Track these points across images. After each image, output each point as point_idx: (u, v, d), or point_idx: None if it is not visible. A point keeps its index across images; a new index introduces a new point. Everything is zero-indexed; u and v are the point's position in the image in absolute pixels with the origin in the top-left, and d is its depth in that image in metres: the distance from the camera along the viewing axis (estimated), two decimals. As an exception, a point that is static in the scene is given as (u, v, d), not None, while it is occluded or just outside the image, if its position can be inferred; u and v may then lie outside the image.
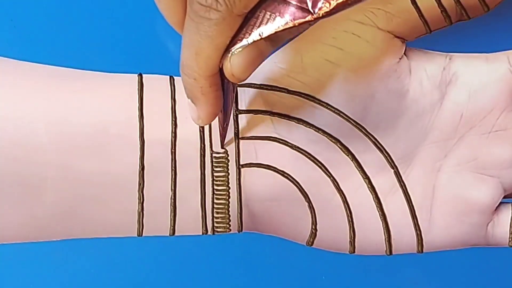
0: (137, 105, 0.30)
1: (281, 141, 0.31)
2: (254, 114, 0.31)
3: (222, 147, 0.31)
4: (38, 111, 0.29)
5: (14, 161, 0.29)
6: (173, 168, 0.30)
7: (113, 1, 0.56)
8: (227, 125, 0.31)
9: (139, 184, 0.30)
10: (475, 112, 0.31)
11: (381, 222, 0.31)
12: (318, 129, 0.31)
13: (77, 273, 0.56)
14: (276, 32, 0.25)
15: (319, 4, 0.24)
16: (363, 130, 0.31)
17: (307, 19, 0.24)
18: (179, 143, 0.30)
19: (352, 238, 0.31)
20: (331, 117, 0.30)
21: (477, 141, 0.31)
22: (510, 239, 0.32)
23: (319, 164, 0.31)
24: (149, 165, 0.30)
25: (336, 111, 0.30)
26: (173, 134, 0.30)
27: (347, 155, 0.31)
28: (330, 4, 0.24)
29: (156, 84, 0.31)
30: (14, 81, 0.30)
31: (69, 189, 0.29)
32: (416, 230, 0.31)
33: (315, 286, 0.57)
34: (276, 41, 0.26)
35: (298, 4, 0.25)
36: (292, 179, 0.31)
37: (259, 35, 0.25)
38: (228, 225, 0.31)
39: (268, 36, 0.25)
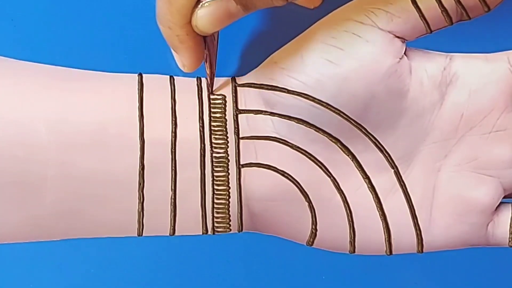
0: (137, 105, 0.30)
1: (281, 141, 0.31)
2: (254, 114, 0.31)
3: (212, 93, 0.31)
4: (38, 110, 0.29)
5: (13, 160, 0.29)
6: (173, 168, 0.30)
7: (113, 1, 0.56)
8: (214, 72, 0.31)
9: (139, 184, 0.30)
10: (475, 112, 0.31)
11: (381, 222, 0.31)
12: (318, 129, 0.31)
13: (77, 273, 0.56)
14: None
15: None
16: (363, 130, 0.31)
17: None
18: (179, 143, 0.30)
19: (352, 238, 0.31)
20: (331, 117, 0.30)
21: (477, 141, 0.31)
22: (510, 239, 0.32)
23: (319, 164, 0.31)
24: (149, 165, 0.30)
25: (336, 111, 0.30)
26: (173, 134, 0.30)
27: (347, 155, 0.31)
28: None
29: (156, 84, 0.31)
30: (14, 80, 0.30)
31: (69, 189, 0.29)
32: (416, 230, 0.31)
33: (315, 286, 0.57)
34: (247, 6, 0.27)
35: None
36: (292, 179, 0.31)
37: None
38: (228, 225, 0.31)
39: None
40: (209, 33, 0.28)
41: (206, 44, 0.30)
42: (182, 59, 0.30)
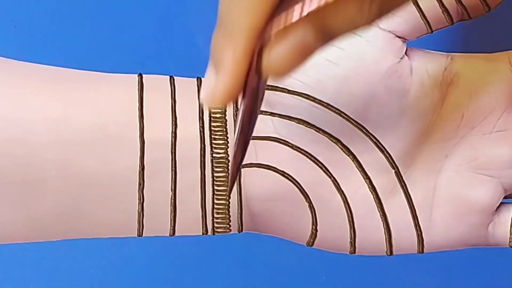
0: (137, 105, 0.30)
1: (282, 141, 0.31)
2: (254, 114, 0.31)
3: (230, 192, 0.29)
4: (38, 111, 0.29)
5: (14, 160, 0.29)
6: (173, 168, 0.30)
7: (113, 1, 0.56)
8: (242, 161, 0.25)
9: (139, 184, 0.30)
10: (476, 112, 0.31)
11: (381, 222, 0.31)
12: (318, 129, 0.31)
13: (77, 273, 0.56)
14: (318, 8, 0.20)
15: None
16: (364, 130, 0.31)
17: None
18: (179, 143, 0.30)
19: (352, 238, 0.31)
20: (331, 117, 0.30)
21: (478, 141, 0.31)
22: (510, 239, 0.32)
23: (320, 164, 0.31)
24: (149, 165, 0.30)
25: (336, 111, 0.30)
26: (173, 134, 0.30)
27: (348, 155, 0.31)
28: None
29: (156, 84, 0.31)
30: (14, 81, 0.30)
31: (69, 189, 0.29)
32: (416, 230, 0.31)
33: (315, 286, 0.57)
34: (324, 33, 0.21)
35: None
36: (292, 179, 0.31)
37: (299, 14, 0.20)
38: (228, 226, 0.31)
39: (311, 14, 0.20)
40: (284, 75, 0.21)
41: (246, 113, 0.23)
42: (218, 82, 0.22)
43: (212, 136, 0.31)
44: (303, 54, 0.21)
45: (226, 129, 0.31)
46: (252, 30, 0.21)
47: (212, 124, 0.31)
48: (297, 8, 0.20)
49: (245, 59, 0.21)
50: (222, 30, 0.21)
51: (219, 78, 0.22)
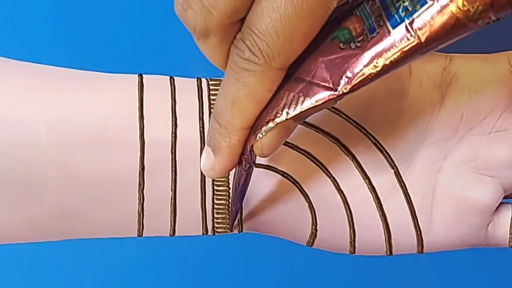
0: (137, 105, 0.30)
1: (281, 141, 0.31)
2: (255, 114, 0.31)
3: (231, 230, 0.31)
4: (38, 111, 0.29)
5: (14, 161, 0.29)
6: (173, 169, 0.30)
7: (113, 2, 0.56)
8: (240, 207, 0.31)
9: (139, 185, 0.30)
10: (475, 113, 0.31)
11: (381, 223, 0.31)
12: (318, 129, 0.31)
13: (77, 273, 0.56)
14: (301, 112, 0.25)
15: (341, 82, 0.24)
16: (363, 131, 0.31)
17: (330, 97, 0.24)
18: (179, 144, 0.30)
19: (352, 239, 0.31)
20: (331, 118, 0.30)
21: (477, 141, 0.31)
22: (510, 240, 0.32)
23: (319, 164, 0.31)
24: (149, 165, 0.30)
25: (336, 111, 0.30)
26: (173, 135, 0.30)
27: (347, 155, 0.31)
28: (350, 80, 0.24)
29: (156, 84, 0.31)
30: (14, 81, 0.30)
31: (69, 189, 0.29)
32: (416, 230, 0.31)
33: (315, 286, 0.57)
34: (301, 118, 0.26)
35: (321, 83, 0.24)
36: (292, 179, 0.31)
37: (286, 116, 0.25)
38: (228, 225, 0.31)
39: (294, 116, 0.25)
40: (269, 154, 0.27)
41: (241, 173, 0.28)
42: (217, 163, 0.27)
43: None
44: (285, 136, 0.27)
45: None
46: (243, 129, 0.26)
47: (212, 124, 0.31)
48: (281, 109, 0.25)
49: (237, 147, 0.27)
50: (219, 124, 0.26)
51: (217, 159, 0.27)
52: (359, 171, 0.31)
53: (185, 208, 0.31)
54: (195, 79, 0.32)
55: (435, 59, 0.31)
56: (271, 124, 0.25)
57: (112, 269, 0.56)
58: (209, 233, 0.31)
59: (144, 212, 0.30)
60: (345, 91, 0.24)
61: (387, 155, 0.31)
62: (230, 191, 0.31)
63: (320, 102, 0.24)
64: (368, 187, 0.31)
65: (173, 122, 0.31)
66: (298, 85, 0.25)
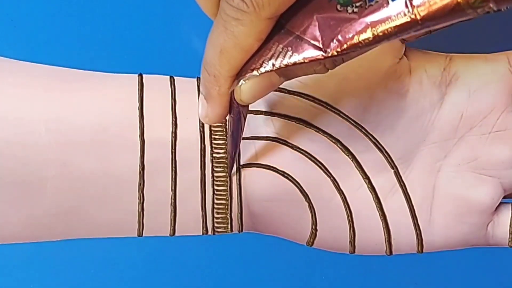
0: (137, 105, 0.30)
1: (281, 141, 0.31)
2: (254, 114, 0.31)
3: (229, 176, 0.31)
4: (38, 111, 0.29)
5: (14, 160, 0.29)
6: (173, 168, 0.30)
7: (114, 1, 0.56)
8: (235, 154, 0.31)
9: (139, 184, 0.30)
10: (475, 112, 0.31)
11: (381, 222, 0.31)
12: (318, 129, 0.31)
13: (77, 273, 0.56)
14: (287, 66, 0.25)
15: (331, 44, 0.24)
16: (363, 130, 0.31)
17: (318, 57, 0.24)
18: (179, 143, 0.30)
19: (352, 238, 0.31)
20: (331, 117, 0.30)
21: (477, 141, 0.31)
22: (510, 239, 0.32)
23: (319, 164, 0.31)
24: (149, 165, 0.30)
25: (336, 111, 0.30)
26: (173, 134, 0.30)
27: (347, 155, 0.31)
28: (341, 44, 0.24)
29: (156, 84, 0.31)
30: (14, 81, 0.30)
31: (69, 189, 0.29)
32: (416, 230, 0.31)
33: (315, 286, 0.57)
34: (286, 75, 0.27)
35: (311, 41, 0.24)
36: (292, 179, 0.31)
37: (271, 67, 0.25)
38: (228, 225, 0.31)
39: (279, 68, 0.25)
40: (248, 103, 0.28)
41: (234, 120, 0.29)
42: (210, 110, 0.28)
43: (212, 136, 0.31)
44: (267, 89, 0.27)
45: (226, 129, 0.31)
46: (230, 76, 0.27)
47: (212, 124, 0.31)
48: (267, 59, 0.25)
49: (227, 94, 0.27)
50: (208, 73, 0.27)
51: (210, 107, 0.28)
52: (359, 171, 0.31)
53: (185, 208, 0.31)
54: (195, 79, 0.32)
55: (435, 58, 0.31)
56: (255, 73, 0.26)
57: (112, 269, 0.56)
58: (209, 233, 0.31)
59: (144, 212, 0.30)
60: (334, 53, 0.24)
61: (387, 155, 0.31)
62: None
63: (307, 60, 0.24)
64: (368, 187, 0.31)
65: (173, 122, 0.31)
66: (288, 38, 0.25)
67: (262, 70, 0.26)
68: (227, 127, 0.31)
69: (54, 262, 0.56)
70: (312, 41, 0.24)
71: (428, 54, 0.32)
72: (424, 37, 0.31)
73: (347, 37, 0.23)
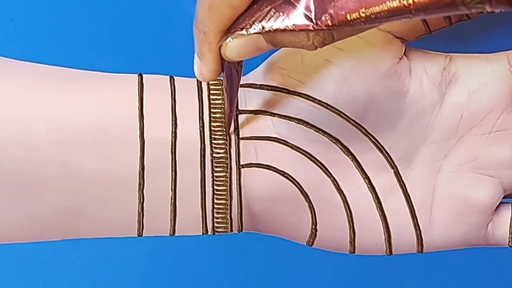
0: (137, 105, 0.30)
1: (282, 141, 0.31)
2: (254, 114, 0.31)
3: (228, 134, 0.31)
4: (38, 111, 0.29)
5: (14, 160, 0.29)
6: (173, 168, 0.30)
7: (114, 2, 0.56)
8: (232, 111, 0.31)
9: (139, 184, 0.30)
10: (475, 112, 0.31)
11: (381, 222, 0.31)
12: (318, 129, 0.31)
13: (77, 273, 0.56)
14: (276, 31, 0.25)
15: (323, 17, 0.24)
16: (363, 130, 0.31)
17: (308, 27, 0.25)
18: (179, 143, 0.30)
19: (352, 238, 0.31)
20: (331, 118, 0.30)
21: (477, 141, 0.31)
22: (510, 239, 0.32)
23: (319, 164, 0.31)
24: (149, 165, 0.30)
25: (336, 111, 0.30)
26: (173, 134, 0.30)
27: (347, 155, 0.31)
28: (332, 19, 0.24)
29: (156, 84, 0.31)
30: (14, 81, 0.30)
31: (69, 189, 0.29)
32: (416, 230, 0.31)
33: (315, 286, 0.57)
34: (274, 42, 0.27)
35: (304, 11, 0.25)
36: (292, 179, 0.31)
37: (261, 29, 0.26)
38: (228, 225, 0.31)
39: (268, 32, 0.26)
40: (234, 61, 0.28)
41: (228, 77, 0.30)
42: (203, 67, 0.29)
43: (212, 136, 0.31)
44: (253, 52, 0.27)
45: (226, 129, 0.31)
46: (221, 32, 0.27)
47: (212, 124, 0.31)
48: (258, 20, 0.26)
49: (218, 50, 0.28)
50: (198, 30, 0.28)
51: (203, 64, 0.29)
52: (359, 171, 0.31)
53: (185, 208, 0.31)
54: (195, 79, 0.32)
55: (435, 58, 0.31)
56: (244, 32, 0.26)
57: (112, 269, 0.56)
58: (209, 233, 0.31)
59: (144, 212, 0.30)
60: (323, 27, 0.24)
61: (387, 155, 0.31)
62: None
63: (297, 28, 0.25)
64: (368, 187, 0.31)
65: (173, 122, 0.31)
66: (281, 2, 0.25)
67: (251, 30, 0.26)
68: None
69: (54, 262, 0.56)
70: (304, 11, 0.25)
71: (428, 54, 0.32)
72: (424, 37, 0.31)
73: (339, 13, 0.24)
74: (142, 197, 0.30)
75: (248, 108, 0.31)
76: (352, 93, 0.30)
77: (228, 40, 0.27)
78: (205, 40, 0.28)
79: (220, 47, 0.28)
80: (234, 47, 0.27)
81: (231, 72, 0.29)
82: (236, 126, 0.31)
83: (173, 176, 0.30)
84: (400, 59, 0.30)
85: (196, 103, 0.31)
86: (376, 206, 0.31)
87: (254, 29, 0.26)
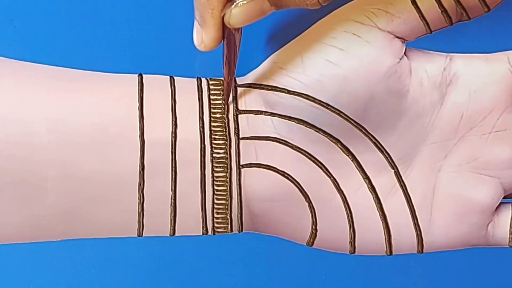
0: (137, 105, 0.30)
1: (282, 141, 0.31)
2: (254, 114, 0.31)
3: (227, 103, 0.31)
4: (38, 111, 0.29)
5: (14, 161, 0.29)
6: (173, 168, 0.30)
7: (114, 1, 0.56)
8: (231, 79, 0.31)
9: (139, 184, 0.30)
10: (475, 113, 0.31)
11: (381, 222, 0.31)
12: (318, 130, 0.31)
13: (77, 273, 0.56)
14: None
15: None
16: (363, 131, 0.31)
17: None
18: (179, 143, 0.30)
19: (352, 238, 0.31)
20: (331, 118, 0.30)
21: (477, 141, 0.31)
22: (510, 239, 0.32)
23: (320, 164, 0.31)
24: (149, 165, 0.30)
25: (336, 111, 0.30)
26: (173, 134, 0.30)
27: (347, 155, 0.31)
28: None
29: (156, 84, 0.31)
30: (14, 81, 0.30)
31: (70, 189, 0.29)
32: (416, 230, 0.31)
33: (315, 286, 0.57)
34: (278, 4, 0.27)
35: None
36: (292, 179, 0.31)
37: None
38: (228, 225, 0.31)
39: None
40: (238, 27, 0.28)
41: (228, 45, 0.30)
42: (204, 35, 0.29)
43: (212, 136, 0.31)
44: (258, 15, 0.28)
45: (226, 129, 0.31)
46: None
47: (212, 124, 0.31)
48: None
49: (219, 17, 0.28)
50: None
51: (204, 32, 0.29)
52: (359, 171, 0.31)
53: (185, 208, 0.31)
54: (195, 79, 0.32)
55: (435, 58, 0.31)
56: None
57: (112, 269, 0.56)
58: (209, 233, 0.31)
59: (144, 212, 0.30)
60: None
61: (387, 155, 0.31)
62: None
63: None
64: (368, 187, 0.31)
65: (173, 122, 0.31)
66: None
67: None
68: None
69: (54, 262, 0.56)
70: None
71: (428, 54, 0.32)
72: (424, 37, 0.31)
73: None
74: (142, 197, 0.30)
75: (248, 108, 0.31)
76: (353, 93, 0.30)
77: (232, 6, 0.27)
78: (207, 6, 0.28)
79: (223, 15, 0.28)
80: (238, 13, 0.27)
81: (231, 40, 0.29)
82: (236, 126, 0.31)
83: (173, 176, 0.30)
84: (400, 59, 0.30)
85: (196, 103, 0.31)
86: (376, 206, 0.31)
87: None
